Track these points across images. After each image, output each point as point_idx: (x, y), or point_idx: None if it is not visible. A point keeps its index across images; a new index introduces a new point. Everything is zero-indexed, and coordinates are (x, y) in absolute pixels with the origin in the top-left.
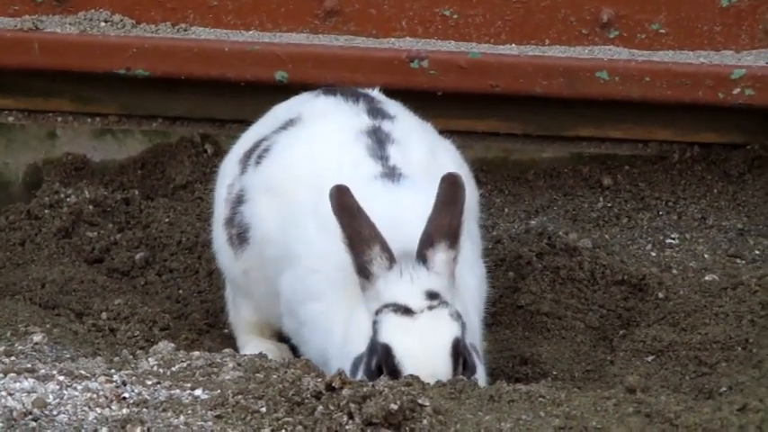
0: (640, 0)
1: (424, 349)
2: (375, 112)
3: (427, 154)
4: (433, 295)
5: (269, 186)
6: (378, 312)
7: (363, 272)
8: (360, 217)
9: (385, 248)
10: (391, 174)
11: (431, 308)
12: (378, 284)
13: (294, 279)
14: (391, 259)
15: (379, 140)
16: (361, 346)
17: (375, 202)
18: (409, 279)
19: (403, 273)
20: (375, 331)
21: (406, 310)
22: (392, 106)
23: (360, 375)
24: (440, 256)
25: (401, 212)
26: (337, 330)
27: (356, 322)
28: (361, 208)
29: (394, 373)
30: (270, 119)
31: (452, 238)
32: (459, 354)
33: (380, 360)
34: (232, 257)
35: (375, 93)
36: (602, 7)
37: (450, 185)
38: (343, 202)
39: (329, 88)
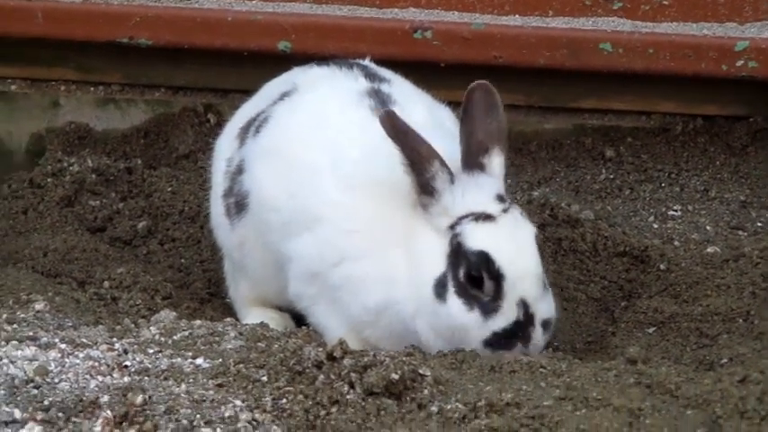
0: None
1: (518, 250)
2: (371, 76)
3: (427, 113)
4: (502, 198)
5: (269, 150)
6: (454, 226)
7: (427, 189)
8: (415, 136)
9: (444, 164)
10: None
11: (505, 210)
12: (444, 199)
13: (320, 242)
14: (451, 173)
15: (381, 101)
16: (438, 266)
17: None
18: (477, 187)
19: (468, 183)
20: (459, 243)
21: (488, 217)
22: (386, 71)
23: (451, 292)
24: (496, 160)
25: None
26: (402, 275)
27: (424, 247)
28: (412, 128)
29: (497, 277)
30: (263, 95)
31: (503, 141)
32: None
33: (478, 267)
34: (228, 229)
35: (366, 62)
36: None
37: (485, 92)
38: (395, 125)
39: (321, 60)
